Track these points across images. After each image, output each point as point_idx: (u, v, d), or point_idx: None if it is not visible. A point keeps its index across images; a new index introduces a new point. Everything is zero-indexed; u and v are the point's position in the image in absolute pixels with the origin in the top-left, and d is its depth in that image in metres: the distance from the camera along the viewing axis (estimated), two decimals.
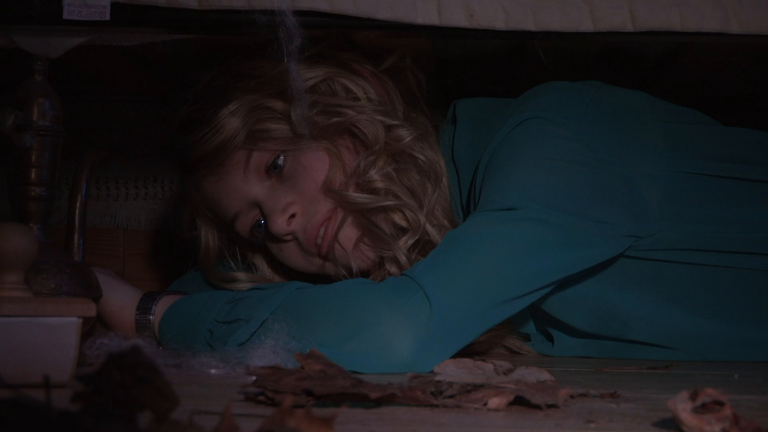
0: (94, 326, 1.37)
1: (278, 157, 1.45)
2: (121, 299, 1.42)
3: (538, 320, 1.52)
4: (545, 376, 1.04)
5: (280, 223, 1.46)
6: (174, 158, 1.57)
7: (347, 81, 1.47)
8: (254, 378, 0.99)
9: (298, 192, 1.45)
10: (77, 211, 1.32)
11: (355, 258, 1.46)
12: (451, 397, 0.96)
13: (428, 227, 1.46)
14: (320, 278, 1.49)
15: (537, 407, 0.95)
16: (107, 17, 1.22)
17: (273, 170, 1.46)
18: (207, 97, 1.47)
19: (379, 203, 1.44)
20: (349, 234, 1.46)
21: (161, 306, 1.41)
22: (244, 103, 1.44)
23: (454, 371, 1.03)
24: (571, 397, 1.00)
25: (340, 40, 1.47)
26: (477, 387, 0.98)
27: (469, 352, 1.27)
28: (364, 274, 1.47)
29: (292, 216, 1.46)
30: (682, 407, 0.82)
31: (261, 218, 1.49)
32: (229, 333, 1.30)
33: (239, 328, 1.29)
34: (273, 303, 1.30)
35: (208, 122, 1.45)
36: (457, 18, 1.27)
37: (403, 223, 1.45)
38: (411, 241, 1.45)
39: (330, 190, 1.45)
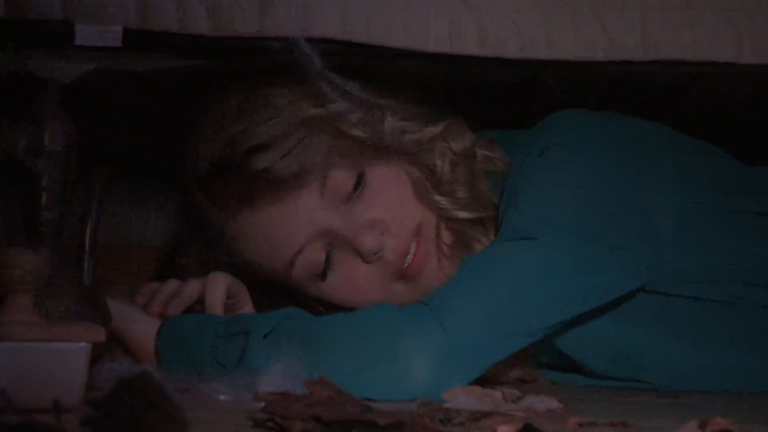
0: (113, 352, 1.36)
1: (363, 174, 1.41)
2: (142, 328, 1.38)
3: (550, 355, 1.51)
4: (554, 404, 1.04)
5: (371, 240, 1.40)
6: (217, 187, 1.44)
7: (409, 105, 1.45)
8: (263, 403, 0.99)
9: (384, 209, 1.42)
10: (87, 235, 1.32)
11: (446, 273, 1.42)
12: (460, 424, 0.96)
13: None
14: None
15: None
16: (119, 43, 1.22)
17: (354, 190, 1.40)
18: (271, 117, 1.38)
19: (476, 214, 1.43)
20: (446, 240, 1.44)
21: None
22: (321, 117, 1.38)
23: (463, 398, 1.03)
24: (580, 425, 1.00)
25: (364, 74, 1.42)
26: (486, 414, 0.98)
27: (480, 380, 1.27)
28: None
29: (381, 234, 1.41)
30: None
31: (330, 249, 1.42)
32: (236, 347, 1.29)
33: (247, 341, 1.28)
34: (274, 316, 1.30)
35: (287, 140, 1.37)
36: (470, 46, 1.27)
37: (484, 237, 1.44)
38: None
39: (424, 199, 1.42)
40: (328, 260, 1.43)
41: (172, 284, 1.43)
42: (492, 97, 1.69)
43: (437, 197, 1.43)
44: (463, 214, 1.43)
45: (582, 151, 1.41)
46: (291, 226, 1.41)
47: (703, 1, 1.27)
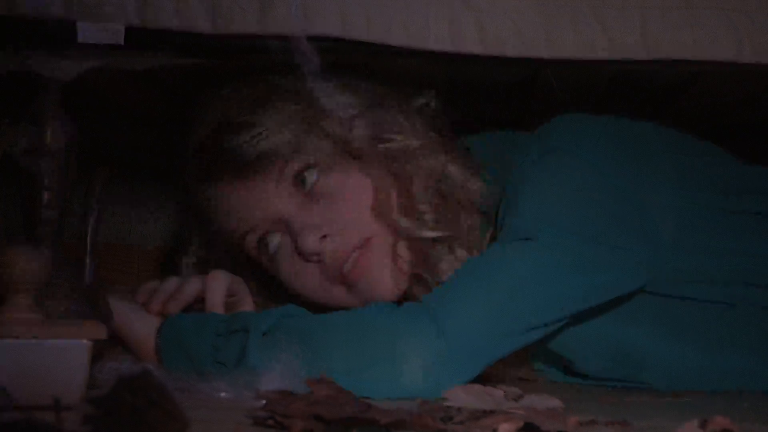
0: (114, 351, 1.36)
1: (324, 174, 1.41)
2: (143, 327, 1.38)
3: (550, 358, 1.51)
4: (555, 403, 1.04)
5: (311, 241, 1.40)
6: (195, 162, 1.48)
7: (394, 113, 1.45)
8: (263, 402, 0.99)
9: (336, 213, 1.42)
10: (88, 234, 1.32)
11: (395, 284, 1.43)
12: (460, 423, 0.96)
13: None
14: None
15: None
16: (121, 41, 1.22)
17: (302, 183, 1.41)
18: (249, 103, 1.42)
19: (440, 233, 1.42)
20: (403, 257, 1.43)
21: None
22: (295, 111, 1.41)
23: (463, 397, 1.03)
24: (581, 424, 1.00)
25: (364, 70, 1.43)
26: (486, 413, 0.98)
27: (481, 378, 1.27)
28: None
29: (324, 237, 1.42)
30: None
31: (273, 236, 1.44)
32: (235, 345, 1.29)
33: (246, 339, 1.28)
34: (273, 314, 1.30)
35: (256, 125, 1.41)
36: (470, 45, 1.27)
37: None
38: None
39: (382, 216, 1.41)
40: (263, 244, 1.45)
41: (172, 283, 1.43)
42: (492, 96, 1.69)
43: (398, 216, 1.42)
44: (425, 233, 1.42)
45: (583, 153, 1.41)
46: (246, 204, 1.44)
47: (703, 1, 1.27)
